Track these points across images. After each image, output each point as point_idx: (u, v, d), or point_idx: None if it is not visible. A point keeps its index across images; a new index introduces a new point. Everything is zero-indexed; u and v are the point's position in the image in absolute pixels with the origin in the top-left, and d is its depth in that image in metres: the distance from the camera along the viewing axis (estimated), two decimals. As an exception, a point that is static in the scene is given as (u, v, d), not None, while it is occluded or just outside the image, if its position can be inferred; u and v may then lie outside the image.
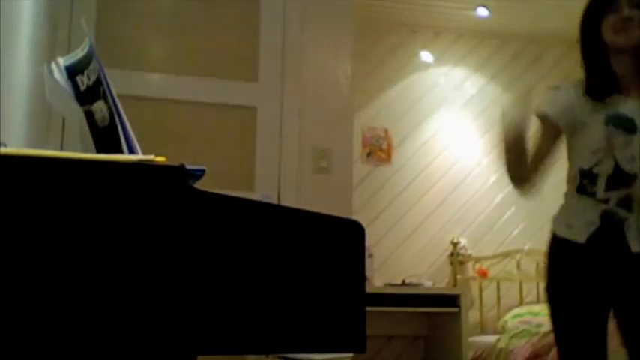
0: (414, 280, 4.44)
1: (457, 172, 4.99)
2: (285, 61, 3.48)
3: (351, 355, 2.21)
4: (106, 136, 1.02)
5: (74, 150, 0.95)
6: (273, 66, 3.47)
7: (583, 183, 1.95)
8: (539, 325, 4.01)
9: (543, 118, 2.03)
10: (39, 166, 0.78)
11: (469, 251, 4.78)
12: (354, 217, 1.03)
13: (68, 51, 1.38)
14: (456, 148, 5.03)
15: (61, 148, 2.98)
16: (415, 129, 4.98)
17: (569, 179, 2.03)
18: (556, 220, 2.02)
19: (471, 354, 4.15)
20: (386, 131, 4.91)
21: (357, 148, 4.74)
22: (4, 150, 0.81)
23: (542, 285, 5.16)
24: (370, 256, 4.30)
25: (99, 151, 1.03)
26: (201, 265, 0.84)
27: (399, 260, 4.76)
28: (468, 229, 4.92)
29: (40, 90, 1.58)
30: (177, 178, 0.82)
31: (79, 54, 1.08)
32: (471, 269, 4.80)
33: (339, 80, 3.53)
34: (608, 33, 1.92)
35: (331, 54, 3.54)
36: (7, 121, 1.93)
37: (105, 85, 1.01)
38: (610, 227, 1.89)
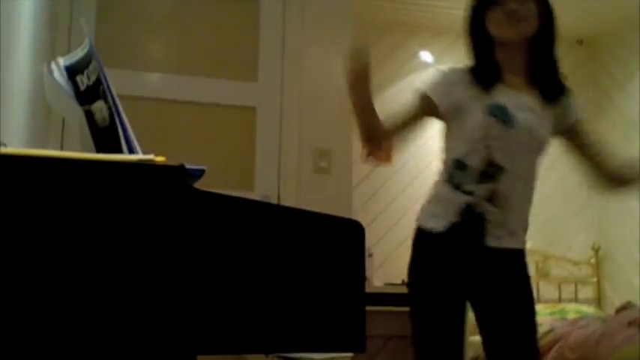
0: (414, 280, 4.42)
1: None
2: (285, 61, 3.48)
3: (351, 354, 2.22)
4: (106, 136, 1.02)
5: (74, 150, 0.95)
6: (273, 66, 3.47)
7: (454, 173, 1.91)
8: (539, 326, 4.01)
9: (423, 98, 1.99)
10: (39, 166, 0.78)
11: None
12: (354, 217, 1.03)
13: (68, 51, 1.39)
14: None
15: (61, 148, 2.98)
16: (415, 129, 4.97)
17: (443, 168, 1.98)
18: (422, 208, 1.98)
19: (470, 354, 4.15)
20: (386, 131, 4.91)
21: (357, 148, 4.73)
22: (4, 150, 0.81)
23: (542, 285, 5.16)
24: (370, 256, 4.30)
25: (99, 151, 1.03)
26: (200, 265, 0.84)
27: (399, 260, 4.74)
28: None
29: (40, 90, 1.58)
30: (177, 177, 0.82)
31: (78, 54, 1.08)
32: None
33: (339, 80, 3.52)
34: (493, 26, 1.92)
35: (331, 54, 3.54)
36: (7, 121, 1.93)
37: (105, 85, 1.01)
38: (471, 221, 1.86)
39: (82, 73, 1.06)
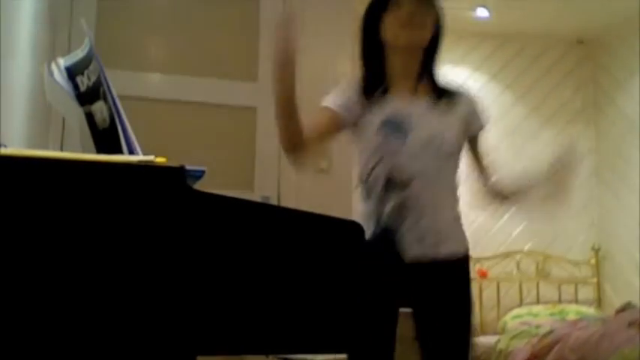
0: (414, 281, 4.43)
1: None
2: (285, 62, 3.47)
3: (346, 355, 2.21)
4: (106, 137, 1.02)
5: (74, 150, 0.95)
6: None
7: (363, 187, 1.89)
8: (538, 326, 4.01)
9: (325, 110, 1.96)
10: (39, 167, 0.78)
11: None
12: (354, 218, 1.03)
13: (68, 51, 1.38)
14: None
15: (61, 148, 2.98)
16: (415, 129, 4.97)
17: (359, 183, 1.95)
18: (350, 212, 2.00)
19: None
20: (386, 131, 4.91)
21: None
22: (4, 150, 0.81)
23: (542, 286, 5.16)
24: (370, 256, 4.29)
25: (99, 152, 1.03)
26: (200, 266, 0.84)
27: (398, 260, 4.75)
28: (468, 229, 4.92)
29: (40, 90, 1.58)
30: (177, 178, 0.82)
31: (79, 54, 1.08)
32: (470, 270, 4.79)
33: (339, 80, 3.52)
34: (392, 30, 1.87)
35: (331, 54, 3.54)
36: (7, 121, 1.93)
37: (105, 86, 1.01)
38: (383, 234, 1.83)
39: (83, 73, 1.06)
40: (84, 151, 1.06)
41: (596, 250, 4.88)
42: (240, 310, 0.87)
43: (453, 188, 1.94)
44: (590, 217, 4.99)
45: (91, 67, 1.05)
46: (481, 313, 4.72)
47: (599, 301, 4.84)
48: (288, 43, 1.75)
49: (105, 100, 1.01)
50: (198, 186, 0.89)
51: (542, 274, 4.82)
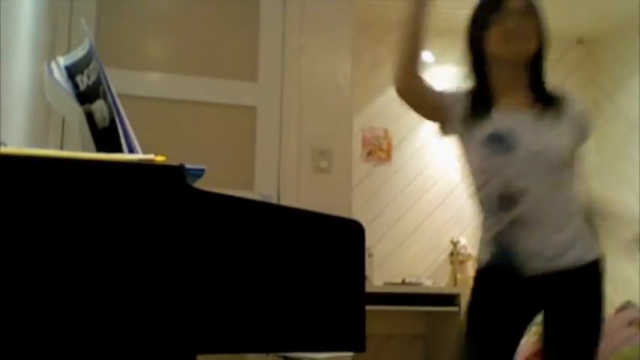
0: (414, 280, 4.43)
1: (457, 171, 4.98)
2: (284, 61, 3.48)
3: (351, 354, 2.22)
4: (106, 136, 1.02)
5: (74, 150, 0.95)
6: (272, 66, 3.47)
7: (479, 205, 1.89)
8: (539, 325, 4.01)
9: (445, 96, 1.95)
10: (39, 166, 0.78)
11: (469, 251, 4.77)
12: (354, 217, 1.03)
13: (68, 51, 1.39)
14: (455, 148, 5.02)
15: (61, 148, 2.98)
16: (415, 129, 4.97)
17: (472, 198, 1.95)
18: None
19: (470, 354, 4.15)
20: (386, 131, 4.91)
21: (357, 148, 4.73)
22: (4, 150, 0.81)
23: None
24: (370, 255, 4.30)
25: (99, 151, 1.03)
26: (200, 265, 0.84)
27: (399, 260, 4.75)
28: (468, 228, 4.92)
29: (40, 90, 1.58)
30: (177, 177, 0.82)
31: (78, 53, 1.08)
32: (471, 269, 4.79)
33: (339, 80, 3.53)
34: (496, 43, 1.86)
35: (331, 54, 3.54)
36: (7, 121, 1.93)
37: (105, 85, 1.01)
38: (502, 252, 1.83)
39: (82, 72, 1.06)
40: (84, 150, 1.06)
41: (596, 250, 4.88)
42: (241, 308, 0.88)
43: (569, 198, 1.87)
44: (590, 217, 4.99)
45: (90, 66, 1.05)
46: (481, 312, 4.72)
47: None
48: None
49: (105, 99, 1.01)
50: (198, 185, 0.89)
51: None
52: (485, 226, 1.87)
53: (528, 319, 1.89)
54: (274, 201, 3.31)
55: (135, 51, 3.37)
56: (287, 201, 3.29)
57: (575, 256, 1.82)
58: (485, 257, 1.87)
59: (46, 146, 2.84)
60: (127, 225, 0.79)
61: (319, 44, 3.53)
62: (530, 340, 3.77)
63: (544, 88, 1.92)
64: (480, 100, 1.89)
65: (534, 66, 1.90)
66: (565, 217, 1.84)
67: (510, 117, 1.86)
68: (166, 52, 3.49)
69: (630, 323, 3.41)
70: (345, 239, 0.97)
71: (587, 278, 1.85)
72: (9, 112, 1.97)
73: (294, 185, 3.38)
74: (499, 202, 1.82)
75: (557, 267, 1.81)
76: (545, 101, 1.89)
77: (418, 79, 1.91)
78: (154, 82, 3.36)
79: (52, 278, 0.76)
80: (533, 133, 1.83)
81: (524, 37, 1.84)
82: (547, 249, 1.80)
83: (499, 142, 1.82)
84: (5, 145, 0.95)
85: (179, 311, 0.80)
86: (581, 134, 1.94)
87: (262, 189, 3.35)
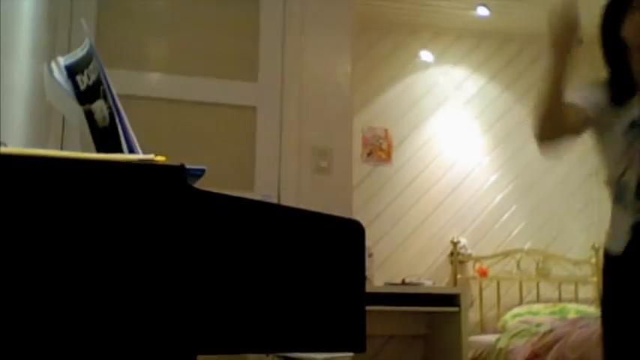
0: (414, 280, 4.43)
1: (457, 171, 4.99)
2: (284, 61, 3.48)
3: (351, 354, 2.22)
4: (106, 136, 1.02)
5: (74, 150, 0.95)
6: (272, 66, 3.47)
7: (618, 192, 1.85)
8: (539, 325, 4.01)
9: (576, 107, 1.89)
10: (39, 166, 0.78)
11: (469, 251, 4.78)
12: (354, 217, 1.03)
13: (68, 51, 1.38)
14: (455, 148, 5.03)
15: (61, 148, 2.98)
16: (415, 129, 4.98)
17: (607, 187, 1.92)
18: (607, 230, 1.93)
19: (470, 354, 4.15)
20: (386, 131, 4.91)
21: (357, 148, 4.74)
22: (4, 150, 0.81)
23: (542, 285, 5.16)
24: (370, 255, 4.30)
25: (99, 151, 1.03)
26: (201, 265, 0.84)
27: (399, 260, 4.76)
28: (468, 228, 4.92)
29: (40, 90, 1.58)
30: (177, 177, 0.82)
31: (78, 53, 1.08)
32: (470, 269, 4.80)
33: (339, 80, 3.53)
34: (632, 30, 1.82)
35: (331, 54, 3.54)
36: (7, 121, 1.93)
37: (105, 85, 1.01)
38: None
39: (82, 72, 1.06)
40: (84, 150, 1.06)
41: (597, 250, 4.88)
42: (241, 309, 0.88)
43: None
44: (590, 217, 4.99)
45: (90, 66, 1.05)
46: (481, 311, 4.73)
47: (599, 300, 4.84)
48: (569, 28, 1.76)
49: (105, 99, 1.01)
50: (198, 185, 0.89)
51: (543, 273, 4.82)
52: (622, 214, 1.83)
53: None
54: (274, 201, 3.31)
55: (135, 51, 3.37)
56: (287, 201, 3.29)
57: None
58: (622, 245, 1.82)
59: (46, 146, 2.84)
60: (127, 225, 0.79)
61: (319, 44, 3.53)
62: (530, 340, 3.78)
63: None
64: (620, 89, 1.86)
65: None
66: None
67: None
68: (166, 52, 3.49)
69: (630, 323, 3.40)
70: (345, 239, 0.97)
71: None
72: (9, 112, 1.97)
73: (294, 185, 3.38)
74: (637, 190, 1.79)
75: None
76: None
77: (559, 125, 1.89)
78: (154, 82, 3.36)
79: (53, 278, 0.76)
80: None
81: None
82: None
83: None
84: (5, 145, 0.95)
85: (180, 311, 0.80)
86: None
87: (262, 189, 3.35)
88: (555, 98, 1.84)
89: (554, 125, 1.89)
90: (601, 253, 5.28)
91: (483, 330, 4.63)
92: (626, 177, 1.82)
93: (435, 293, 4.16)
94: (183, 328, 0.81)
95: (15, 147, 0.88)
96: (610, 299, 1.89)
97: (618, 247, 1.83)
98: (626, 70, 1.88)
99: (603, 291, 1.92)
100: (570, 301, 4.76)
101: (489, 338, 4.22)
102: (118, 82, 1.15)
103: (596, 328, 3.48)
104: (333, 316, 0.95)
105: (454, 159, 5.02)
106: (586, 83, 1.95)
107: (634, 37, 1.83)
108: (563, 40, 1.78)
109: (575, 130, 1.92)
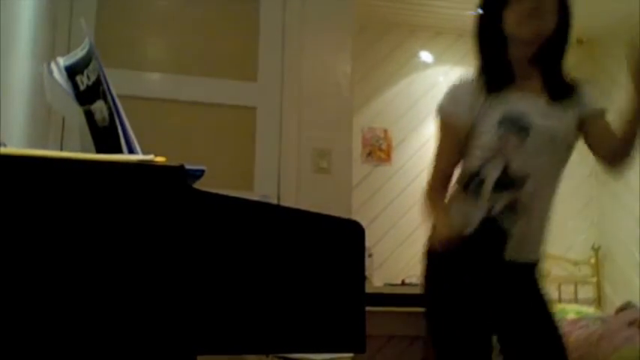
0: (414, 280, 4.43)
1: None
2: (284, 61, 3.48)
3: (351, 355, 2.22)
4: (105, 136, 1.02)
5: (74, 150, 0.95)
6: (272, 66, 3.47)
7: (470, 184, 1.84)
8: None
9: (448, 117, 1.90)
10: (39, 166, 0.78)
11: (469, 251, 4.77)
12: (354, 217, 1.03)
13: (68, 51, 1.39)
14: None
15: (61, 148, 2.98)
16: (415, 129, 4.98)
17: (460, 178, 1.90)
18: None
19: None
20: (385, 131, 4.91)
21: (357, 148, 4.74)
22: (4, 150, 0.81)
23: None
24: (370, 256, 4.30)
25: (99, 151, 1.03)
26: (200, 265, 0.84)
27: (399, 260, 4.76)
28: (468, 228, 4.92)
29: (40, 90, 1.58)
30: (177, 178, 0.82)
31: (78, 54, 1.08)
32: (470, 269, 4.80)
33: (339, 80, 3.53)
34: (512, 22, 1.82)
35: (331, 54, 3.54)
36: (7, 121, 1.93)
37: (105, 85, 1.01)
38: (489, 233, 1.79)
39: (82, 73, 1.06)
40: (83, 150, 1.06)
41: (596, 250, 4.89)
42: (241, 309, 0.88)
43: (558, 186, 1.89)
44: (590, 217, 4.99)
45: (90, 67, 1.05)
46: (481, 312, 4.73)
47: (598, 301, 4.84)
48: None
49: (104, 99, 1.01)
50: (198, 186, 0.89)
51: (542, 273, 4.82)
52: (473, 206, 1.81)
53: (495, 303, 1.85)
54: (274, 201, 3.31)
55: (135, 51, 3.37)
56: (287, 201, 3.29)
57: (539, 252, 1.86)
58: (464, 230, 1.80)
59: (46, 146, 2.84)
60: (126, 226, 0.79)
61: (319, 44, 3.53)
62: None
63: (559, 74, 1.89)
64: (495, 81, 1.86)
65: (552, 47, 1.86)
66: (549, 208, 1.87)
67: (524, 100, 1.83)
68: (166, 52, 3.49)
69: (630, 323, 3.41)
70: (344, 240, 0.97)
71: (536, 275, 1.89)
72: (9, 112, 1.97)
73: (294, 185, 3.38)
74: (498, 183, 1.79)
75: (530, 258, 1.84)
76: (560, 86, 1.87)
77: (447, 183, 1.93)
78: (154, 82, 3.36)
79: (52, 279, 0.76)
80: (545, 118, 1.81)
81: (542, 16, 1.80)
82: (532, 236, 1.82)
83: (513, 124, 1.80)
84: (5, 145, 0.95)
85: (179, 312, 0.80)
86: (586, 114, 1.89)
87: (262, 189, 3.35)
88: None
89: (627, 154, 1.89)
90: (601, 253, 5.28)
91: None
92: (487, 169, 1.81)
93: (434, 293, 4.15)
94: (183, 329, 0.81)
95: (15, 147, 0.88)
96: (438, 289, 1.87)
97: (460, 231, 1.79)
98: (503, 60, 1.87)
99: (429, 280, 1.88)
100: (570, 301, 4.76)
101: (489, 338, 4.21)
102: (118, 82, 1.15)
103: (595, 328, 3.48)
104: (332, 316, 0.95)
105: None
106: (459, 80, 1.94)
107: (515, 30, 1.83)
108: None
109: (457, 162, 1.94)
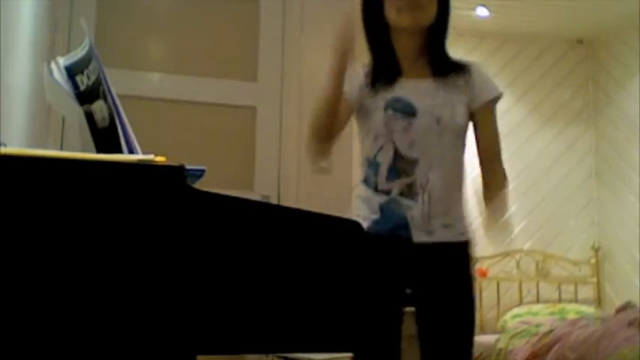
0: (414, 280, 4.43)
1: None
2: (284, 61, 3.48)
3: (351, 355, 2.21)
4: (106, 136, 1.02)
5: (74, 150, 0.95)
6: (272, 66, 3.47)
7: (367, 172, 1.87)
8: (538, 326, 4.01)
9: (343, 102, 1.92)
10: (39, 166, 0.78)
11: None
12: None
13: (68, 51, 1.39)
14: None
15: (61, 148, 2.98)
16: (415, 129, 4.97)
17: (360, 168, 1.94)
18: (350, 212, 1.93)
19: (470, 354, 4.15)
20: (386, 131, 4.91)
21: (357, 148, 4.73)
22: (4, 150, 0.81)
23: (542, 285, 5.14)
24: (370, 256, 4.29)
25: (99, 151, 1.03)
26: (200, 265, 0.84)
27: (398, 260, 4.75)
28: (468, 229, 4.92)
29: (40, 90, 1.58)
30: (177, 178, 0.82)
31: (78, 54, 1.08)
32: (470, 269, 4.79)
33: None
34: (392, 13, 1.84)
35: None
36: (7, 121, 1.93)
37: (105, 85, 1.01)
38: (391, 219, 1.81)
39: (82, 72, 1.06)
40: (83, 150, 1.06)
41: (596, 250, 4.88)
42: (241, 309, 0.88)
43: (459, 168, 1.89)
44: (590, 217, 4.99)
45: (90, 67, 1.05)
46: (481, 312, 4.72)
47: (599, 301, 4.84)
48: (347, 41, 1.79)
49: (104, 99, 1.01)
50: (198, 186, 0.89)
51: (542, 273, 4.81)
52: (373, 190, 1.85)
53: (405, 287, 1.86)
54: (274, 201, 3.31)
55: (135, 51, 3.37)
56: (287, 201, 3.29)
57: (457, 230, 1.85)
58: (368, 221, 1.83)
59: (46, 146, 2.84)
60: (126, 225, 0.79)
61: (319, 44, 3.52)
62: (530, 340, 3.78)
63: (444, 57, 1.91)
64: (382, 70, 1.89)
65: (434, 34, 1.88)
66: (454, 187, 1.86)
67: (410, 84, 1.86)
68: (166, 52, 3.49)
69: (630, 323, 3.41)
70: (345, 239, 0.97)
71: (460, 257, 1.87)
72: (9, 112, 1.97)
73: (294, 185, 3.38)
74: (392, 167, 1.82)
75: (440, 238, 1.81)
76: (445, 69, 1.88)
77: (333, 134, 1.94)
78: (154, 82, 3.36)
79: (52, 278, 0.76)
80: (431, 101, 1.84)
81: (420, 6, 1.82)
82: (436, 217, 1.81)
83: (399, 108, 1.83)
84: (5, 145, 0.95)
85: (179, 312, 0.80)
86: (475, 97, 1.89)
87: (262, 189, 3.35)
88: (332, 109, 1.86)
89: (329, 132, 1.92)
90: (601, 253, 5.28)
91: (483, 330, 4.62)
92: (380, 157, 1.84)
93: (434, 293, 4.15)
94: (183, 329, 0.81)
95: (15, 147, 0.88)
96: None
97: (365, 222, 1.81)
98: (389, 52, 1.90)
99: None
100: (570, 301, 4.76)
101: (489, 339, 4.21)
102: (118, 82, 1.15)
103: (595, 328, 3.48)
104: (333, 316, 0.95)
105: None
106: (351, 69, 1.93)
107: (395, 19, 1.85)
108: (343, 51, 1.80)
109: (343, 125, 1.95)
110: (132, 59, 3.32)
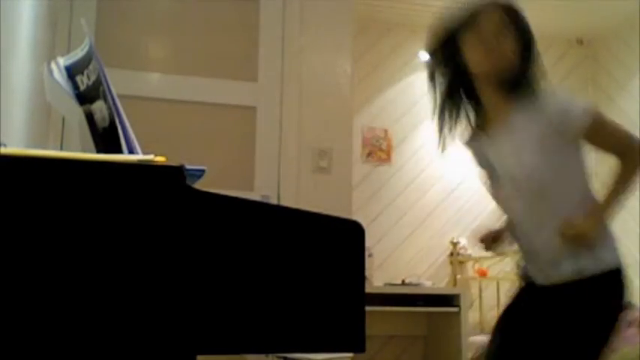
0: (414, 280, 4.43)
1: (457, 171, 5.00)
2: (284, 61, 3.48)
3: (351, 355, 2.22)
4: (105, 136, 1.02)
5: (74, 150, 0.95)
6: (272, 66, 3.47)
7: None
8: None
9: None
10: (39, 166, 0.78)
11: (469, 251, 4.77)
12: (354, 217, 1.03)
13: (68, 51, 1.39)
14: (455, 148, 5.02)
15: (61, 148, 2.98)
16: (415, 129, 4.98)
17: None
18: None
19: (470, 354, 4.15)
20: (386, 131, 4.91)
21: (357, 148, 4.74)
22: (4, 150, 0.81)
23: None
24: (370, 256, 4.30)
25: (99, 151, 1.03)
26: (200, 265, 0.84)
27: (399, 260, 4.76)
28: (468, 229, 4.92)
29: (40, 90, 1.58)
30: (177, 178, 0.82)
31: (78, 54, 1.08)
32: (470, 269, 4.80)
33: (339, 80, 3.53)
34: (474, 57, 1.72)
35: (331, 54, 3.54)
36: (7, 121, 1.93)
37: (105, 85, 1.01)
38: (523, 267, 1.92)
39: (82, 73, 1.06)
40: (83, 150, 1.06)
41: (596, 250, 4.88)
42: (241, 309, 0.87)
43: (564, 207, 1.78)
44: (590, 217, 4.99)
45: (90, 67, 1.05)
46: (481, 312, 4.73)
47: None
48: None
49: (105, 99, 1.01)
50: (198, 186, 0.89)
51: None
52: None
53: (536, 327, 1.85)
54: (274, 201, 3.31)
55: (135, 51, 3.37)
56: (287, 201, 3.29)
57: (570, 269, 1.75)
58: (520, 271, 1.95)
59: (46, 146, 2.84)
60: (126, 226, 0.79)
61: (319, 44, 3.53)
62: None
63: (521, 86, 1.75)
64: (475, 131, 1.89)
65: (517, 74, 1.76)
66: (554, 236, 1.75)
67: (491, 140, 1.82)
68: (166, 52, 3.49)
69: (630, 323, 3.41)
70: (344, 240, 0.97)
71: (581, 293, 1.77)
72: (9, 112, 1.97)
73: (294, 185, 3.38)
74: (511, 229, 1.90)
75: (560, 279, 1.77)
76: (519, 111, 1.73)
77: None
78: (154, 82, 3.36)
79: (52, 278, 0.76)
80: (502, 155, 1.78)
81: (501, 54, 1.72)
82: (545, 266, 1.82)
83: (489, 170, 1.86)
84: (5, 145, 0.95)
85: (179, 312, 0.80)
86: (560, 128, 1.71)
87: (262, 189, 3.35)
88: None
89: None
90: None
91: (483, 330, 4.62)
92: (508, 215, 1.92)
93: (434, 294, 4.16)
94: (183, 329, 0.81)
95: (15, 147, 0.88)
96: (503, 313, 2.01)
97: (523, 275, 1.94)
98: (476, 104, 1.82)
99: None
100: (570, 301, 4.76)
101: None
102: (118, 82, 1.15)
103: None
104: (332, 316, 0.95)
105: (454, 159, 5.02)
106: (463, 135, 1.95)
107: (477, 65, 1.73)
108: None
109: None
110: (132, 59, 3.32)
